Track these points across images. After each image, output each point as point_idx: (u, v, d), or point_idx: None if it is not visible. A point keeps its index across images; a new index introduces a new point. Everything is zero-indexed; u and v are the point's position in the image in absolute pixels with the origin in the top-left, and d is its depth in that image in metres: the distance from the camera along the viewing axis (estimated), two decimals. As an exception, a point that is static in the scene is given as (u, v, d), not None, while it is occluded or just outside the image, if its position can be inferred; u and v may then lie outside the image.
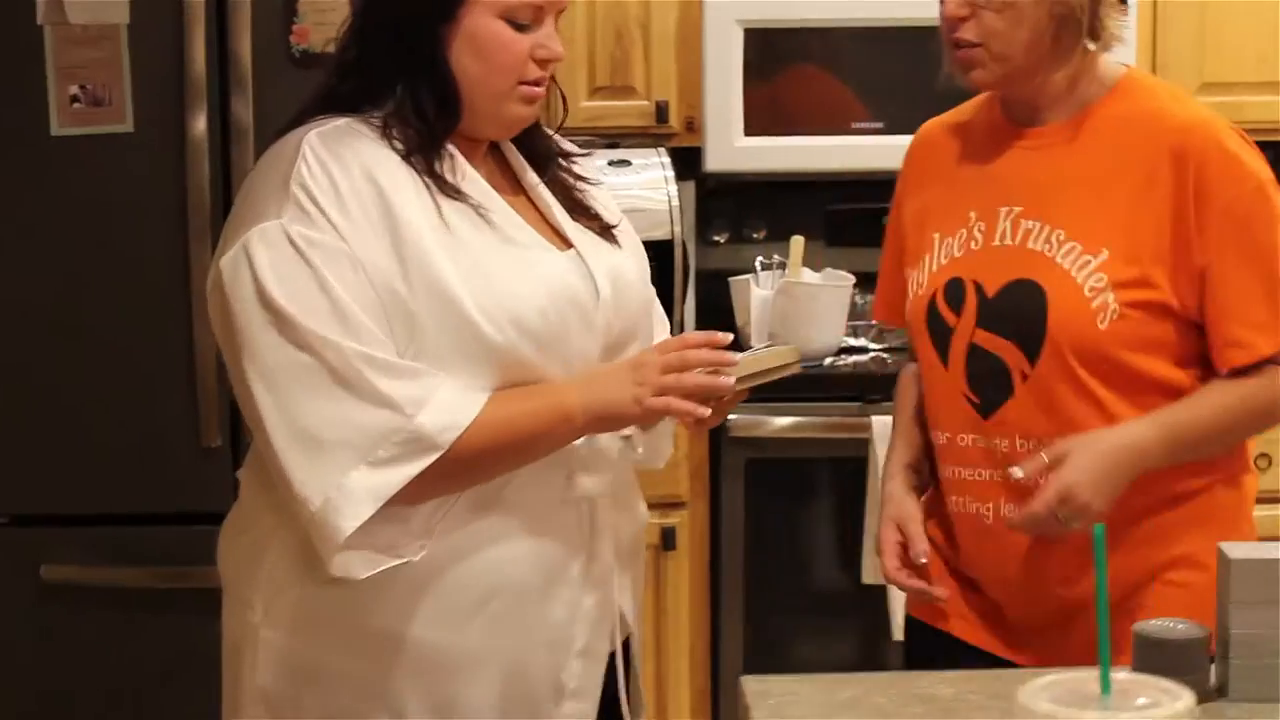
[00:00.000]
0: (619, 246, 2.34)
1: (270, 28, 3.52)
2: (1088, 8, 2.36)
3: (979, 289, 2.42)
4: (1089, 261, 2.35)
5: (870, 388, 3.98)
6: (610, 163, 4.04)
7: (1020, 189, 2.43)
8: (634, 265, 2.35)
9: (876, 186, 4.42)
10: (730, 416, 3.92)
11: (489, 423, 2.11)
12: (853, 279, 4.14)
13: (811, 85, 4.20)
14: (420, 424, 2.07)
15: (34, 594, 3.61)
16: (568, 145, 2.43)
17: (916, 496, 2.53)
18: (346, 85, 2.24)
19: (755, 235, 4.51)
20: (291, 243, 2.09)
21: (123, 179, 3.56)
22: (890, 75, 4.18)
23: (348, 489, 2.05)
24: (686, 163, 4.26)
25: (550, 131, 2.41)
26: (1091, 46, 2.39)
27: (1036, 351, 2.36)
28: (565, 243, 2.28)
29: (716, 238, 4.53)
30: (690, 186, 4.42)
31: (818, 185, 4.45)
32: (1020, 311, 2.38)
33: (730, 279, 4.18)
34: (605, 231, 2.34)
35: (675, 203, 4.03)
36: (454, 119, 2.21)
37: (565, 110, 2.42)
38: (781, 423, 3.97)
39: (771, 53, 4.15)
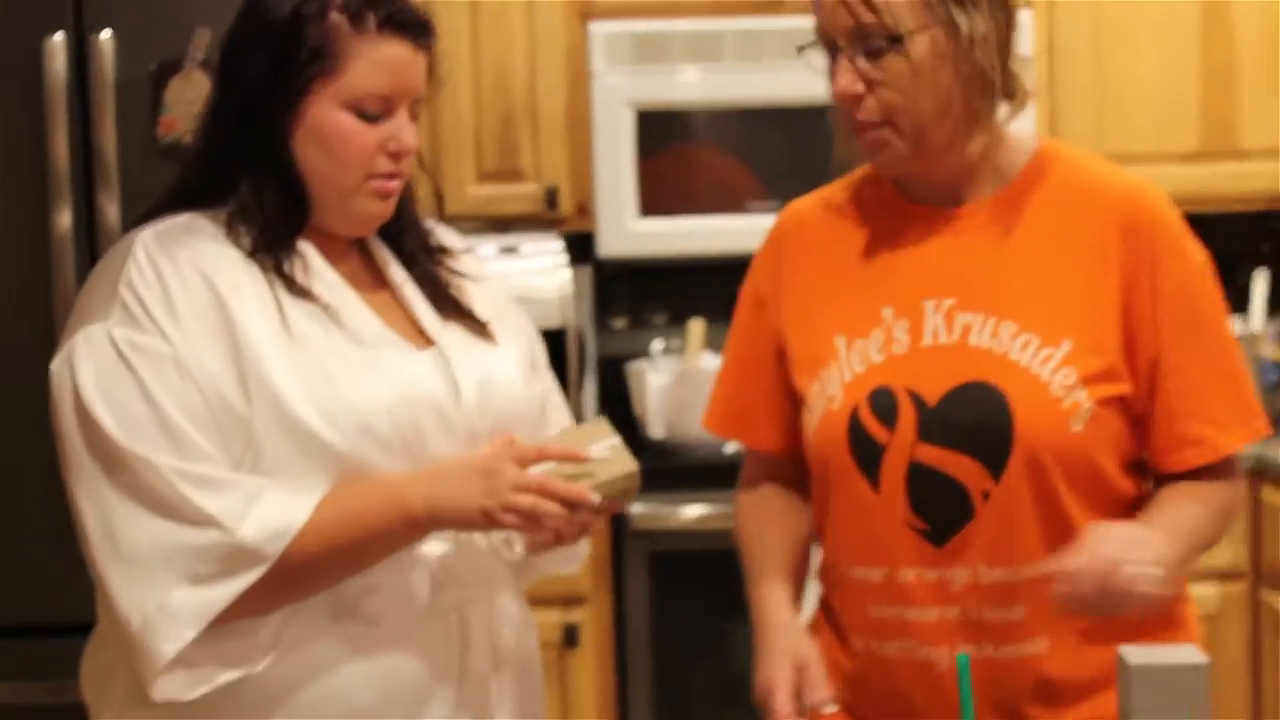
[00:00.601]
0: (495, 344, 2.22)
1: (136, 119, 3.38)
2: (998, 64, 2.07)
3: (915, 398, 2.08)
4: (1051, 355, 2.06)
5: (775, 474, 3.86)
6: (501, 250, 3.93)
7: (947, 278, 2.11)
8: (511, 364, 2.22)
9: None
10: (633, 507, 3.80)
11: (321, 525, 1.99)
12: (753, 362, 4.04)
13: (705, 165, 4.12)
14: (243, 536, 1.95)
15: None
16: (450, 239, 2.32)
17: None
18: (197, 179, 2.15)
19: (655, 320, 4.41)
20: (115, 347, 1.98)
21: (-14, 279, 3.42)
22: (783, 153, 4.10)
23: (169, 610, 1.94)
24: (581, 247, 4.17)
25: (432, 225, 2.30)
26: (1005, 108, 2.11)
27: (1001, 465, 2.04)
28: (429, 342, 2.16)
29: (616, 323, 4.42)
30: (586, 272, 4.32)
31: (717, 267, 4.34)
32: (976, 420, 2.06)
33: (627, 366, 4.07)
34: (479, 329, 2.21)
35: (568, 290, 3.93)
36: (301, 215, 2.11)
37: (441, 204, 2.33)
38: (683, 513, 3.86)
39: (663, 134, 4.07)
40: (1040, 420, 2.04)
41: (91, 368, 1.98)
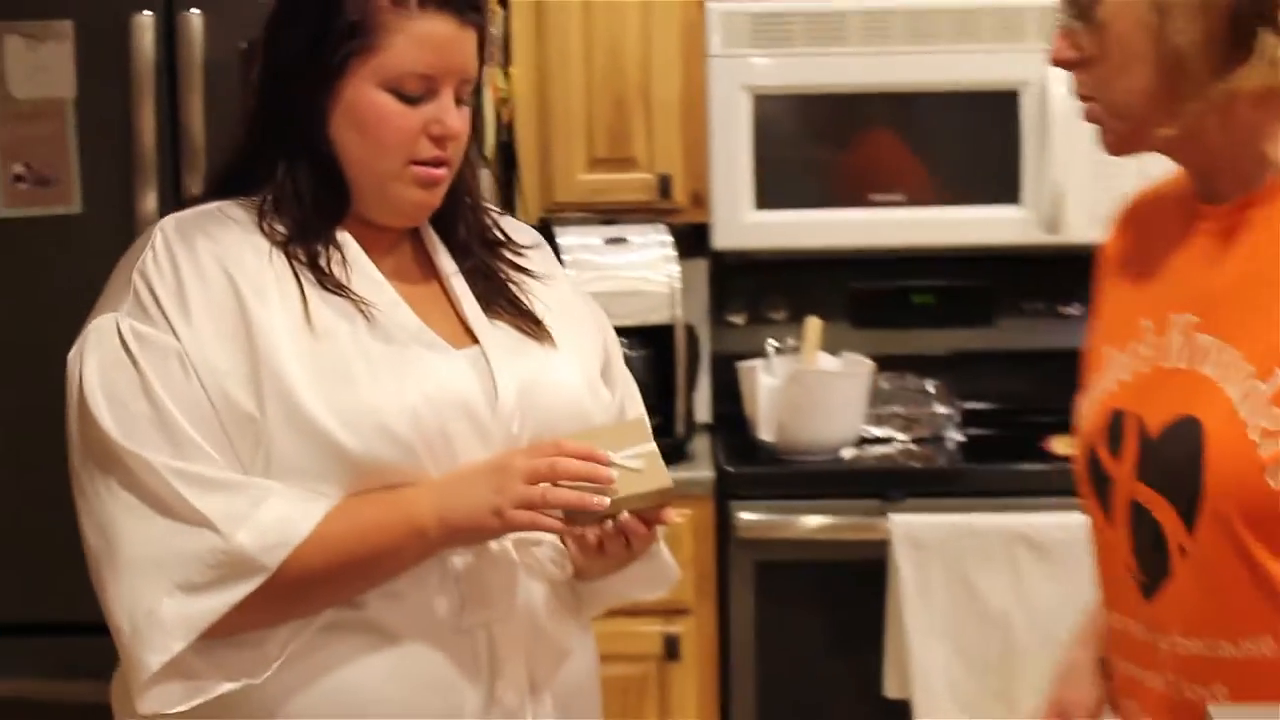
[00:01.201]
0: (550, 346, 2.06)
1: (224, 97, 3.26)
2: (1199, 34, 1.74)
3: (1141, 427, 1.82)
4: (1256, 390, 1.71)
5: (892, 483, 3.66)
6: (606, 241, 3.76)
7: (1194, 289, 1.82)
8: (568, 368, 2.06)
9: (902, 264, 4.16)
10: (741, 515, 3.61)
11: (326, 538, 1.85)
12: (872, 365, 3.84)
13: (826, 155, 3.91)
14: (240, 543, 1.83)
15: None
16: (517, 233, 2.17)
17: (1102, 678, 1.98)
18: (237, 165, 2.05)
19: (775, 315, 4.21)
20: (122, 339, 1.89)
21: (71, 263, 3.31)
22: (910, 144, 3.90)
23: (158, 619, 1.82)
24: (697, 239, 3.99)
25: (498, 216, 2.16)
26: (1237, 79, 1.74)
27: (1193, 517, 1.74)
28: (473, 340, 2.01)
29: (733, 318, 4.23)
30: (702, 264, 4.15)
31: (841, 262, 4.16)
32: (1177, 461, 1.76)
33: (738, 365, 3.88)
34: (533, 329, 2.06)
35: (676, 284, 3.75)
36: (339, 204, 1.99)
37: (523, 192, 2.16)
38: (792, 522, 3.65)
39: (782, 121, 3.87)
40: (1231, 469, 1.72)
41: (96, 360, 1.89)
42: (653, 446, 1.92)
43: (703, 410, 4.16)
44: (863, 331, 4.17)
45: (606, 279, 3.71)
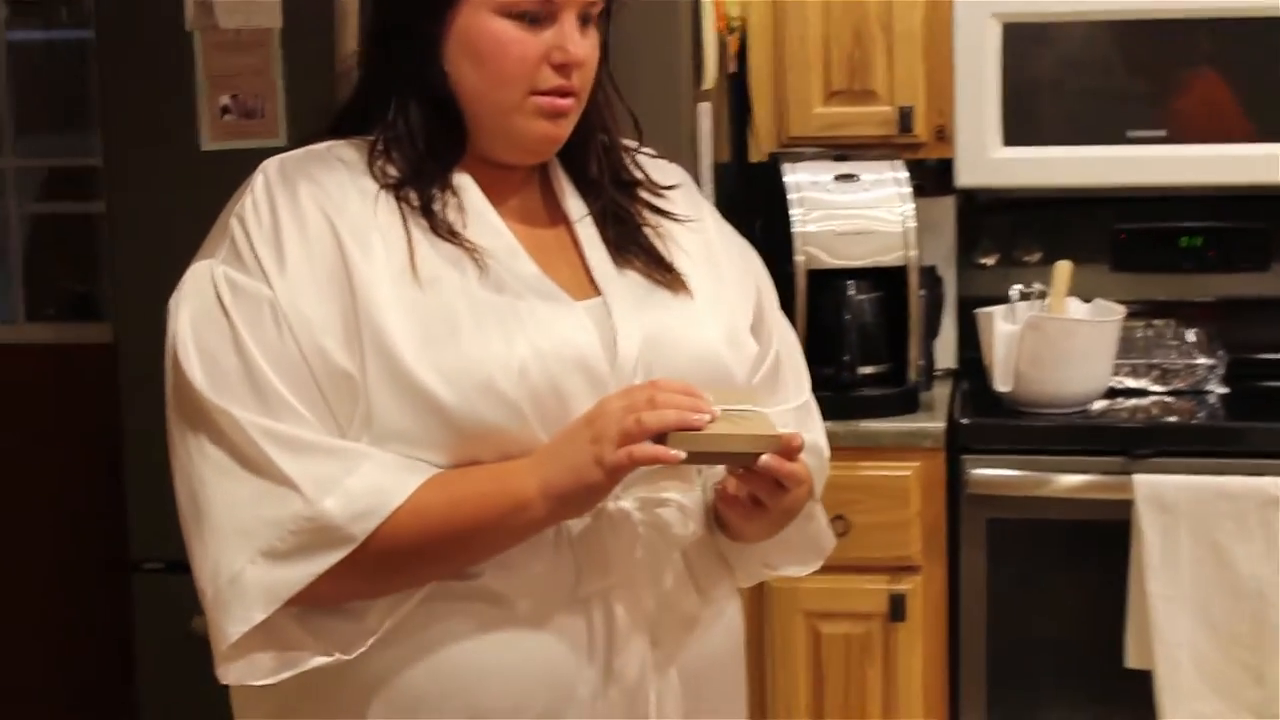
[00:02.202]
0: (686, 297, 1.90)
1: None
2: None
3: None
4: None
5: (1138, 440, 3.41)
6: (836, 178, 3.57)
7: None
8: (704, 321, 1.89)
9: (1169, 203, 3.88)
10: (973, 470, 3.41)
11: (421, 510, 1.72)
12: (1123, 312, 3.57)
13: (1079, 87, 3.64)
14: (326, 510, 1.70)
15: (183, 648, 3.31)
16: (661, 173, 2.01)
17: None
18: (354, 105, 1.92)
19: (1028, 258, 3.96)
20: (215, 288, 1.78)
21: (276, 198, 3.25)
22: (1173, 77, 3.61)
23: (241, 586, 1.71)
24: (943, 175, 3.77)
25: (637, 153, 1.99)
26: None
27: None
28: (596, 291, 1.85)
29: (983, 260, 4.00)
30: (948, 203, 3.92)
31: (1101, 201, 3.89)
32: None
33: (976, 311, 3.65)
34: (667, 278, 1.90)
35: (911, 223, 3.54)
36: (456, 143, 1.85)
37: (640, 130, 2.00)
38: (1028, 478, 3.43)
39: (1033, 50, 3.61)
40: None
41: (190, 309, 1.78)
42: (763, 410, 1.76)
43: (947, 357, 3.95)
44: (1124, 275, 3.92)
45: (835, 218, 3.53)
